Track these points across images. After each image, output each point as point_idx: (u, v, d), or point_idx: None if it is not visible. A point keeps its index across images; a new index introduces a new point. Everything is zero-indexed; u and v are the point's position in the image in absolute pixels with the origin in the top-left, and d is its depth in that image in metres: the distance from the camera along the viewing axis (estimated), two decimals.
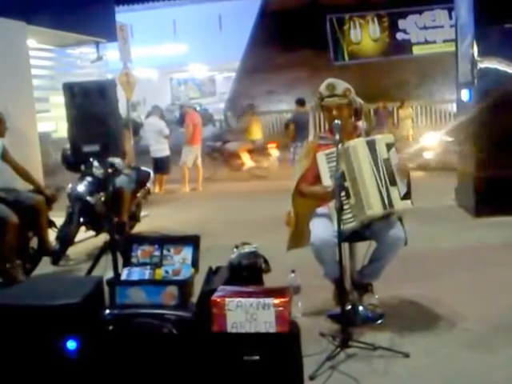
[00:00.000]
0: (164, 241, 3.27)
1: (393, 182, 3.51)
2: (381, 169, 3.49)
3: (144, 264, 3.12)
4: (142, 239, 3.39)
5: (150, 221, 7.62)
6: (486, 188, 6.57)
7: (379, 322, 3.72)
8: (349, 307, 3.74)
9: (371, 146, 3.54)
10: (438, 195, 7.80)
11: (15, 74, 6.88)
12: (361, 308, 3.79)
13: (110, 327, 2.76)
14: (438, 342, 3.37)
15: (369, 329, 3.59)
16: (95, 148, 3.77)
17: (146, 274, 3.01)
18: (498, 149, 6.58)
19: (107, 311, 2.85)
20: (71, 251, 5.76)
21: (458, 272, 4.66)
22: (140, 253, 3.19)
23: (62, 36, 8.42)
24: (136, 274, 3.02)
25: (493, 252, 5.20)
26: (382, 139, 3.59)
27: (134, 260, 3.17)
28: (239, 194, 10.27)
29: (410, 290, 4.22)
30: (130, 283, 2.97)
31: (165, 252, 3.18)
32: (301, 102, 10.54)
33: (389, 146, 3.56)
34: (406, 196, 3.57)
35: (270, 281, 3.60)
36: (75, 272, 5.33)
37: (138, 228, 6.85)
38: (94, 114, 3.74)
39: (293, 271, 3.77)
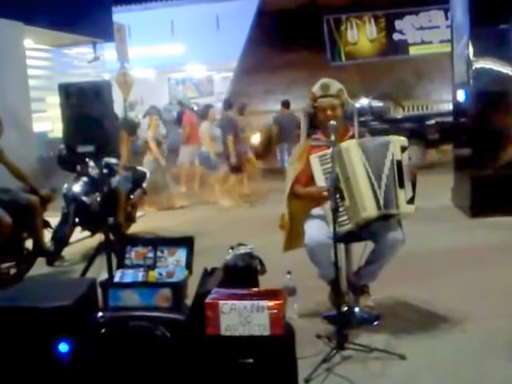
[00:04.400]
0: (158, 242, 3.23)
1: (401, 185, 3.49)
2: (386, 170, 3.47)
3: (137, 266, 3.09)
4: (136, 241, 3.37)
5: (146, 221, 7.60)
6: (482, 188, 6.56)
7: (375, 323, 3.70)
8: (345, 309, 3.72)
9: (381, 146, 3.52)
10: (434, 195, 7.78)
11: (11, 74, 6.87)
12: (357, 309, 3.77)
13: (103, 330, 2.74)
14: (435, 344, 3.35)
15: (365, 330, 3.57)
16: (90, 148, 3.76)
17: (140, 276, 2.98)
18: (494, 149, 6.58)
19: (100, 314, 2.82)
20: (66, 252, 5.74)
21: (454, 273, 4.64)
22: (134, 254, 3.15)
23: (59, 36, 8.44)
24: (129, 276, 2.98)
25: (489, 253, 5.18)
26: (397, 141, 3.58)
27: (127, 262, 3.14)
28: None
29: (405, 290, 4.21)
30: (123, 285, 2.94)
31: (158, 254, 3.14)
32: (286, 104, 10.64)
33: (403, 149, 3.55)
34: (411, 200, 3.56)
35: (265, 282, 3.59)
36: (70, 273, 5.31)
37: (134, 228, 6.83)
38: (89, 114, 3.74)
39: (289, 272, 3.76)
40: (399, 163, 3.51)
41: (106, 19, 9.11)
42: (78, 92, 3.74)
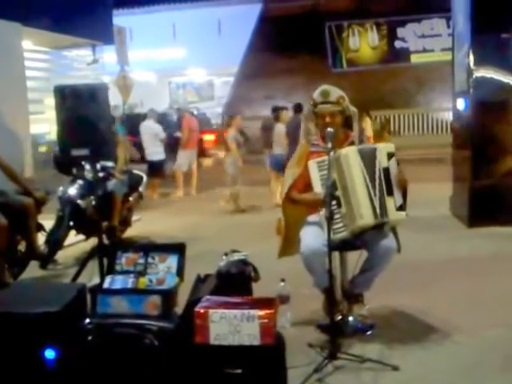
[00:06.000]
0: (149, 248, 3.19)
1: (389, 192, 3.47)
2: (377, 178, 3.45)
3: (128, 272, 3.05)
4: (127, 246, 3.32)
5: (142, 225, 7.54)
6: (481, 198, 6.52)
7: (369, 333, 3.67)
8: (339, 318, 3.68)
9: (371, 154, 3.50)
10: (432, 204, 7.76)
11: (9, 75, 6.82)
12: (351, 318, 3.74)
13: (90, 337, 2.69)
14: (429, 355, 3.32)
15: (358, 340, 3.54)
16: (84, 152, 3.73)
17: (129, 282, 2.94)
18: (493, 158, 6.55)
19: (87, 320, 2.78)
20: (60, 255, 5.68)
21: (450, 283, 4.61)
22: (124, 260, 3.11)
23: (58, 38, 8.39)
24: (119, 282, 2.94)
25: (486, 263, 5.15)
26: (383, 148, 3.56)
27: (117, 268, 3.10)
28: None
29: (401, 300, 4.17)
30: (112, 292, 2.90)
31: (149, 260, 3.10)
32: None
33: (389, 155, 3.52)
34: (401, 207, 3.53)
35: (259, 289, 3.55)
36: (63, 276, 5.25)
37: (129, 232, 6.78)
38: (85, 117, 3.71)
39: (282, 280, 3.72)
40: (386, 170, 3.48)
41: (105, 22, 9.05)
42: (73, 94, 3.72)
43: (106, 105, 3.83)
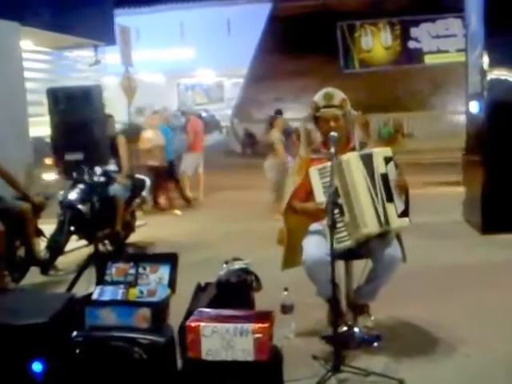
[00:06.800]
0: (140, 258, 3.09)
1: (389, 198, 3.35)
2: (377, 184, 3.33)
3: (118, 283, 2.94)
4: (117, 256, 3.22)
5: (147, 230, 7.46)
6: (494, 203, 6.35)
7: (375, 344, 3.54)
8: (344, 329, 3.57)
9: (367, 159, 3.37)
10: (445, 209, 7.60)
11: (7, 76, 6.73)
12: (356, 330, 3.61)
13: (78, 350, 2.58)
14: (436, 369, 3.21)
15: (364, 352, 3.43)
16: (79, 156, 3.63)
17: (119, 293, 2.83)
18: (507, 163, 6.37)
19: (75, 333, 2.67)
20: (61, 261, 5.60)
21: (460, 292, 4.47)
22: (114, 270, 3.01)
23: (59, 38, 8.30)
24: (108, 293, 2.83)
25: (498, 271, 4.98)
26: (379, 153, 3.43)
27: (107, 278, 2.99)
28: (241, 203, 10.05)
29: (408, 310, 4.04)
30: (101, 303, 2.78)
31: (140, 270, 2.99)
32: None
33: (387, 160, 3.39)
34: (404, 213, 3.40)
35: (262, 299, 3.46)
36: (64, 282, 5.15)
37: (134, 238, 6.71)
38: (78, 120, 3.61)
39: (286, 289, 3.61)
40: (384, 176, 3.35)
41: (107, 22, 8.95)
42: (66, 97, 3.63)
43: (100, 107, 3.72)
